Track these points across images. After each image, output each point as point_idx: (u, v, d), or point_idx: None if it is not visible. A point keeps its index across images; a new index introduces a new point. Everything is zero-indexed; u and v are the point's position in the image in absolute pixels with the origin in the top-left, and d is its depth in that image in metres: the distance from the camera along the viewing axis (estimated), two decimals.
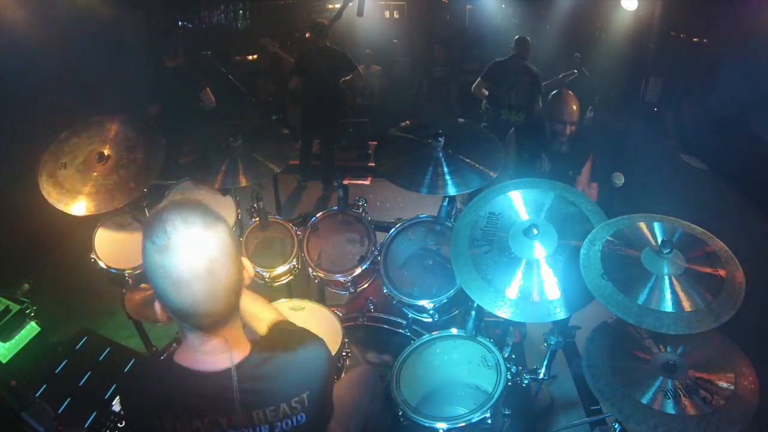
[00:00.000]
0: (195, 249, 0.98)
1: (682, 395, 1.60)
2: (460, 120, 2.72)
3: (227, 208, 2.75)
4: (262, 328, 1.40)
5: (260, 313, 1.46)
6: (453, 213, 2.55)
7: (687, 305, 1.53)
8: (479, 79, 5.08)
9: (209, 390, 1.11)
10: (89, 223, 2.62)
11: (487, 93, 5.08)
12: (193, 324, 1.09)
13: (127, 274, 2.52)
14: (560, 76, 5.55)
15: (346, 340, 2.20)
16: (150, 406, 1.16)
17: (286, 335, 1.33)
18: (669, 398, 1.60)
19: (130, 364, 2.61)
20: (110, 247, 2.59)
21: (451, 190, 2.30)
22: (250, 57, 7.58)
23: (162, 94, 4.48)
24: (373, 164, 5.59)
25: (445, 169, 2.34)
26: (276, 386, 1.15)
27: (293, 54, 5.90)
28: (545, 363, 2.21)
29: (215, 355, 1.12)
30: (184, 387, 1.13)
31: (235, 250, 1.08)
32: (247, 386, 1.11)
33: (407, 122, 2.65)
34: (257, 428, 1.13)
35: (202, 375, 1.12)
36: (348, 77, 5.33)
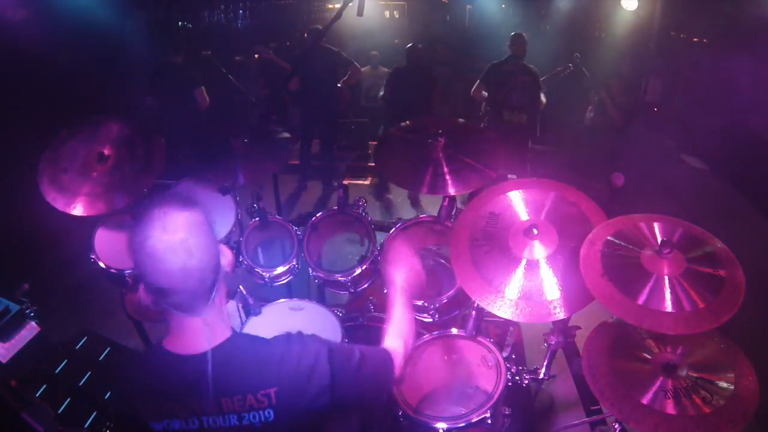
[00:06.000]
0: (170, 226, 1.08)
1: (682, 395, 1.60)
2: (460, 120, 2.72)
3: (227, 208, 2.75)
4: None
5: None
6: (453, 213, 2.55)
7: (687, 305, 1.53)
8: (478, 82, 5.08)
9: (186, 373, 1.14)
10: (89, 223, 2.62)
11: (486, 95, 5.08)
12: (172, 303, 1.13)
13: (127, 274, 2.51)
14: (556, 71, 5.55)
15: (346, 340, 2.19)
16: (131, 390, 1.21)
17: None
18: (669, 398, 1.60)
19: None
20: (110, 247, 2.59)
21: (451, 190, 2.30)
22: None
23: (159, 90, 4.49)
24: (373, 164, 5.61)
25: (445, 169, 2.34)
26: (245, 374, 1.15)
27: (288, 59, 5.92)
28: (545, 363, 2.21)
29: (195, 337, 1.15)
30: (163, 370, 1.17)
31: (212, 234, 1.16)
32: (220, 371, 1.12)
33: (407, 122, 2.65)
34: (226, 416, 1.13)
35: (181, 358, 1.15)
36: (345, 75, 5.34)
